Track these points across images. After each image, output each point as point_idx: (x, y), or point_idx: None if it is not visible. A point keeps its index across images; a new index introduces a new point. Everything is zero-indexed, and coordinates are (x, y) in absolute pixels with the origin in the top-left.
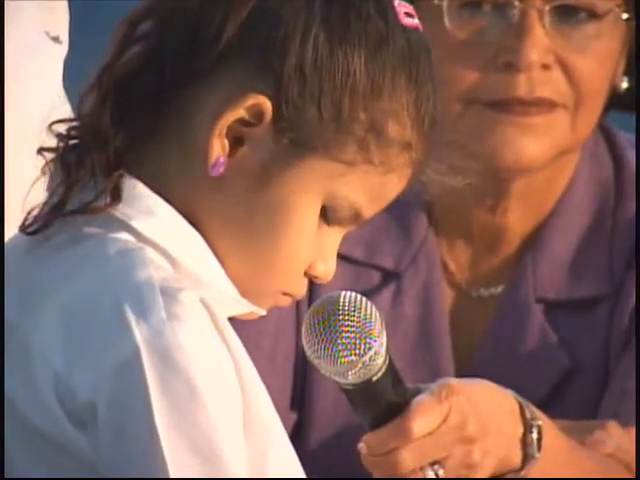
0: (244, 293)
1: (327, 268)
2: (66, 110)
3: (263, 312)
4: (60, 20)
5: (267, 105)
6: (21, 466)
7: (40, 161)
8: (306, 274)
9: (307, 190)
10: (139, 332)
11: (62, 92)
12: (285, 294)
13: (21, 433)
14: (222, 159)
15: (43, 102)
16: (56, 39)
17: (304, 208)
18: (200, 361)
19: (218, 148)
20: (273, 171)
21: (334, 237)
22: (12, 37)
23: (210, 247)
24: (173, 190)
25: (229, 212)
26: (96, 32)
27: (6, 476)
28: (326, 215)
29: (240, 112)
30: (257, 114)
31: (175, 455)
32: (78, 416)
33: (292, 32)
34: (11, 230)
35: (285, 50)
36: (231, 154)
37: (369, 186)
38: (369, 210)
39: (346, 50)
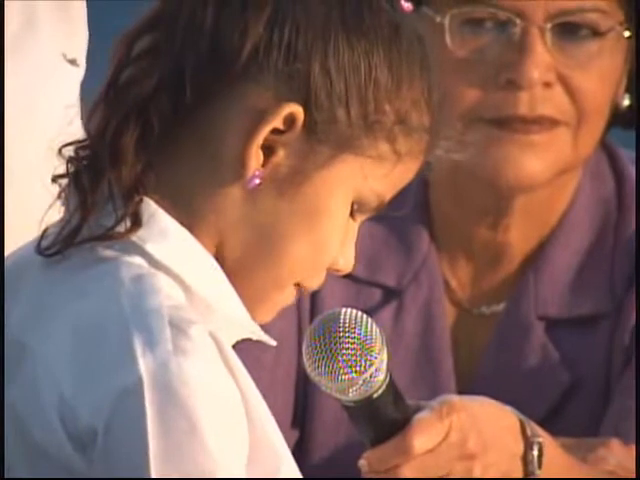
0: (264, 294)
1: (347, 259)
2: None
3: (273, 342)
4: (78, 42)
5: (300, 112)
6: (21, 476)
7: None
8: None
9: (340, 189)
10: (144, 363)
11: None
12: (297, 286)
13: (24, 449)
14: (258, 171)
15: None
16: (73, 62)
17: (337, 207)
18: (205, 398)
19: (255, 160)
20: (306, 174)
21: (354, 227)
22: (29, 58)
23: (237, 258)
24: (197, 207)
25: (261, 220)
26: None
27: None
28: (352, 209)
29: (276, 122)
30: (290, 122)
31: None
32: (79, 438)
33: (313, 38)
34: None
35: (309, 56)
36: (264, 163)
37: (394, 175)
38: (390, 196)
39: (365, 46)
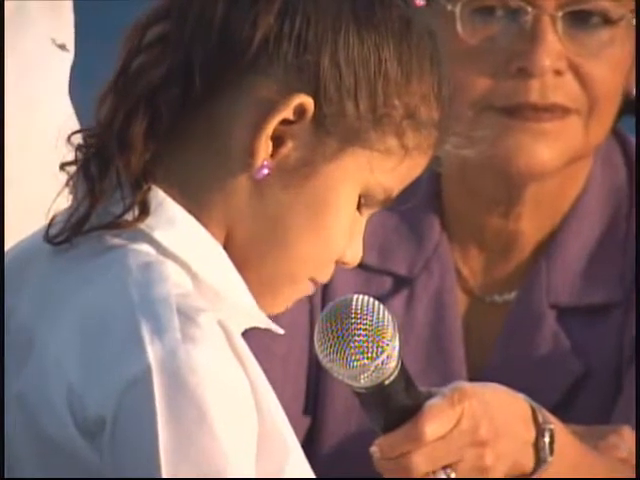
0: (274, 287)
1: (355, 252)
2: (71, 116)
3: (281, 331)
4: (66, 26)
5: (310, 103)
6: (29, 469)
7: (53, 170)
8: (335, 261)
9: (348, 183)
10: (152, 351)
11: (68, 101)
12: (311, 280)
13: (33, 440)
14: (267, 161)
15: (53, 112)
16: (63, 47)
17: (344, 200)
18: (213, 386)
19: (264, 151)
20: (314, 166)
21: (361, 221)
22: (17, 45)
23: (244, 248)
24: (205, 197)
25: (268, 210)
26: (100, 38)
27: (11, 477)
28: (359, 202)
29: (286, 112)
30: (300, 113)
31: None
32: (87, 427)
33: (323, 29)
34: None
35: (319, 48)
36: (272, 154)
37: (401, 169)
38: (397, 191)
39: (375, 39)
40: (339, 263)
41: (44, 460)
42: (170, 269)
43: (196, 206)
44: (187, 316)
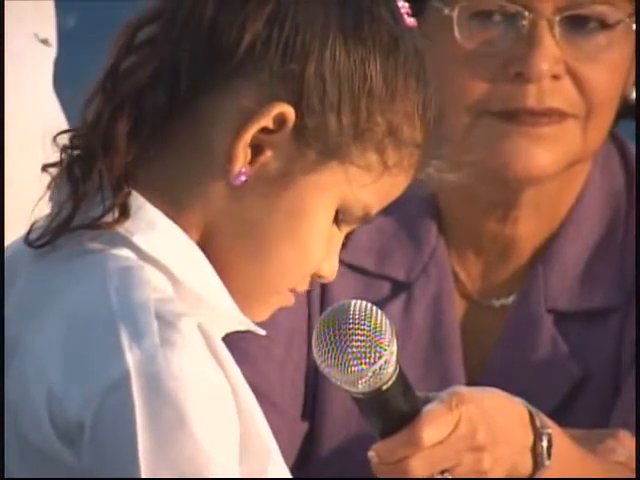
0: (255, 295)
1: (331, 267)
2: (58, 112)
3: (262, 332)
4: (48, 20)
5: (291, 113)
6: (15, 471)
7: (33, 167)
8: (311, 274)
9: (325, 195)
10: (131, 356)
11: (54, 96)
12: (290, 290)
13: (17, 443)
14: (245, 168)
15: (38, 107)
16: (45, 42)
17: (321, 212)
18: (193, 390)
19: (242, 157)
20: (292, 177)
21: (339, 237)
22: (2, 40)
23: (223, 254)
24: (186, 200)
25: (246, 217)
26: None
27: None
28: (337, 217)
29: (265, 121)
30: (280, 122)
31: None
32: (66, 431)
33: (310, 39)
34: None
35: (305, 57)
36: (251, 161)
37: (381, 187)
38: (377, 209)
39: (362, 54)
40: (315, 277)
41: (26, 463)
42: (150, 273)
43: (176, 209)
44: (166, 321)
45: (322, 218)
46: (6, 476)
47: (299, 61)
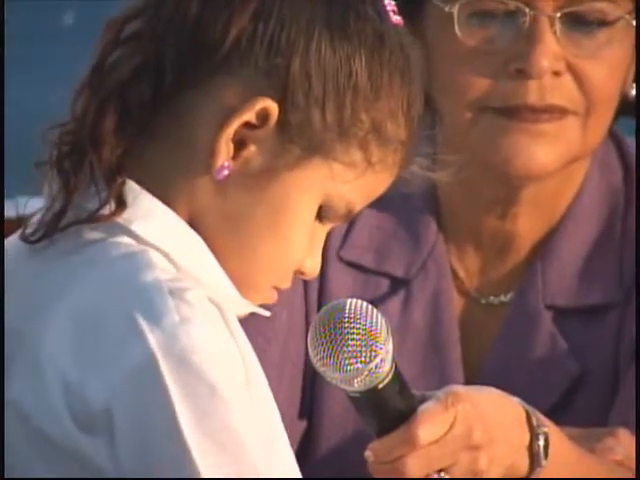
0: (239, 289)
1: (313, 264)
2: None
3: (267, 313)
4: None
5: (274, 108)
6: (33, 472)
7: None
8: (294, 271)
9: (308, 191)
10: (154, 338)
11: None
12: (274, 287)
13: (31, 439)
14: (227, 162)
15: None
16: None
17: (304, 208)
18: (216, 361)
19: (224, 152)
20: (276, 172)
21: (322, 233)
22: None
23: (209, 246)
24: (174, 192)
25: (229, 212)
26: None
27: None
28: (320, 213)
29: (248, 116)
30: (263, 117)
31: (204, 456)
32: (88, 424)
33: (296, 34)
34: None
35: (290, 53)
36: (234, 156)
37: (364, 184)
38: (360, 207)
39: (348, 50)
40: (297, 273)
41: (46, 462)
42: (154, 257)
43: (165, 203)
44: (180, 297)
45: (305, 214)
46: (8, 476)
47: (284, 57)
